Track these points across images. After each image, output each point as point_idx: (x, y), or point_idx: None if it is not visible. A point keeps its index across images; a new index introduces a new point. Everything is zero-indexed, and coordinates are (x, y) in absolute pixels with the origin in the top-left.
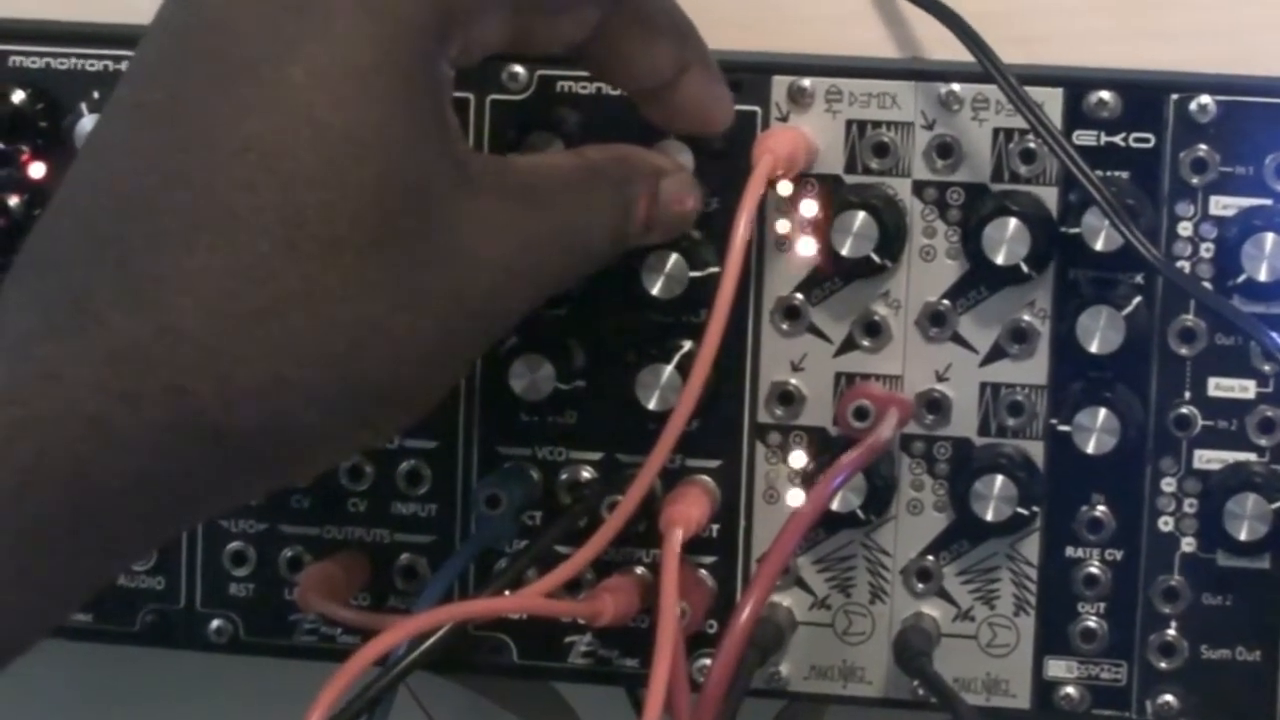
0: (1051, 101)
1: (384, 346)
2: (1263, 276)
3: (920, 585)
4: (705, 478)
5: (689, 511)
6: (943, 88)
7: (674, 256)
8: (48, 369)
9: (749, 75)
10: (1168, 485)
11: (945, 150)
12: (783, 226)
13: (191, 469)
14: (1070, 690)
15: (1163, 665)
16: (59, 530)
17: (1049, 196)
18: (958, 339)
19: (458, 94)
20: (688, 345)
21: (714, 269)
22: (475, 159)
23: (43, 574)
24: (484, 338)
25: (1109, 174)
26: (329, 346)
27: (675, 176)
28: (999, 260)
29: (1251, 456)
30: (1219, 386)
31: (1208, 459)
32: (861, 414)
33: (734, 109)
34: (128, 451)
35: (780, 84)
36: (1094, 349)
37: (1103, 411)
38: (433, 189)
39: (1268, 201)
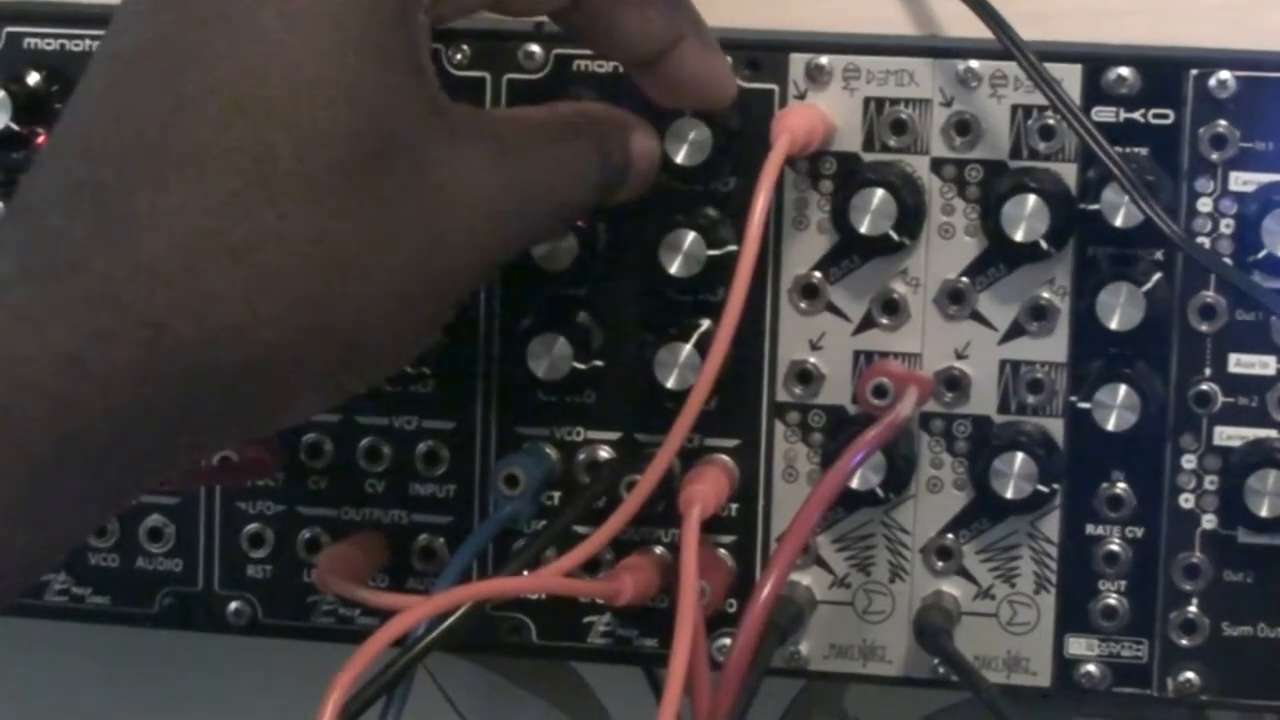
0: (1070, 78)
1: (361, 285)
2: None
3: (940, 563)
4: (724, 457)
5: (708, 491)
6: (961, 65)
7: (692, 235)
8: (22, 311)
9: (767, 53)
10: (1188, 462)
11: (964, 127)
12: (801, 205)
13: (171, 406)
14: (1091, 668)
15: (1184, 642)
16: (42, 469)
17: (1068, 173)
18: (977, 316)
19: (472, 73)
20: (706, 324)
21: (732, 247)
22: (451, 106)
23: (30, 514)
24: (463, 283)
25: (1128, 150)
26: (305, 284)
27: (641, 129)
28: (1018, 237)
29: (1272, 433)
30: (1240, 363)
31: (1228, 435)
32: (880, 392)
33: (735, 80)
34: (106, 389)
35: (798, 62)
36: (1114, 326)
37: (1123, 388)
38: (407, 132)
39: None
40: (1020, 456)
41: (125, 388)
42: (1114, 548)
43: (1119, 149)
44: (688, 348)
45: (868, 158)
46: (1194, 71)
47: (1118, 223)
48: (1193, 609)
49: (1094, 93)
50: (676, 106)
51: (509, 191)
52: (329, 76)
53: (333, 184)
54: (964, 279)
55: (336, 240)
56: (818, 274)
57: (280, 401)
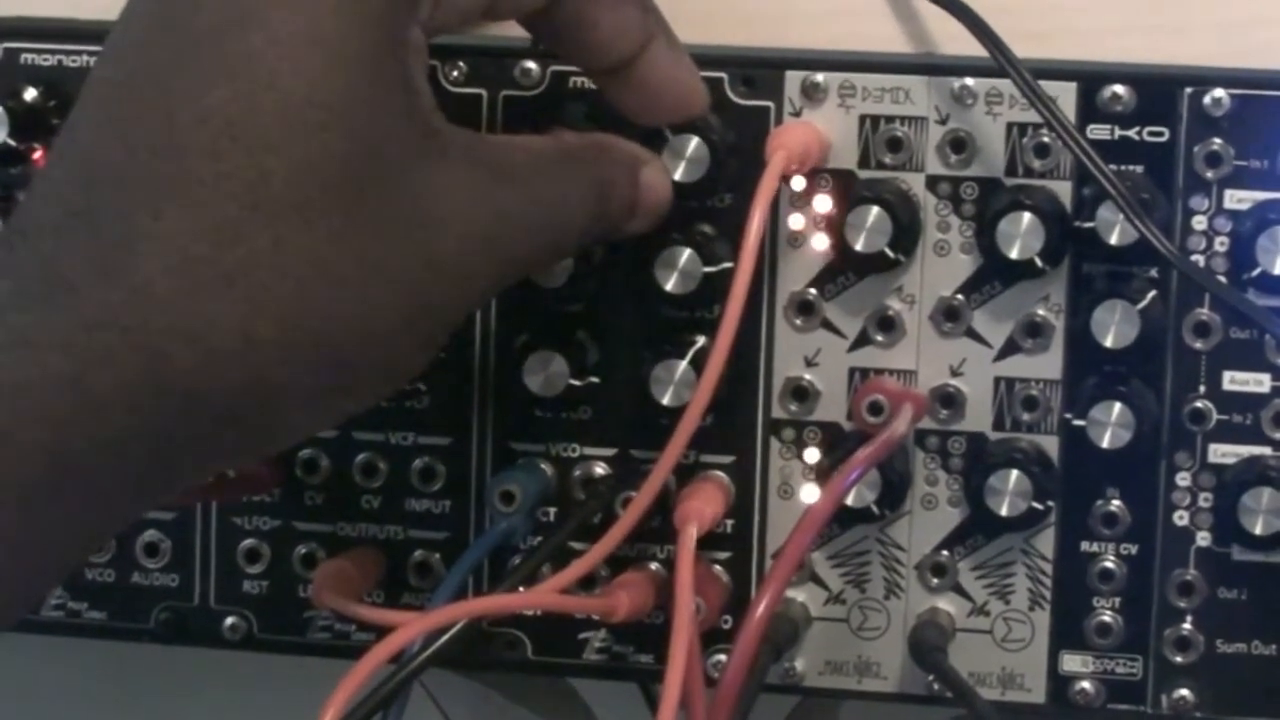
0: (1065, 96)
1: (355, 308)
2: (1277, 270)
3: (935, 580)
4: (719, 473)
5: (703, 507)
6: (956, 82)
7: (687, 252)
8: (20, 335)
9: (762, 70)
10: (1183, 480)
11: (959, 145)
12: (796, 222)
13: (169, 430)
14: (1085, 685)
15: (1178, 659)
16: (40, 493)
17: (1063, 191)
18: (972, 334)
19: (469, 90)
20: (701, 340)
21: (728, 264)
22: (446, 129)
23: (26, 538)
24: (457, 306)
25: (1123, 168)
26: (300, 308)
27: (653, 164)
28: (1013, 255)
29: (1267, 451)
30: (1234, 380)
31: (1223, 453)
32: (876, 409)
33: (707, 88)
34: (104, 413)
35: (794, 79)
36: (1108, 343)
37: (1117, 406)
38: (400, 155)
39: None
40: (1015, 473)
41: (122, 411)
42: (1108, 565)
43: (1114, 167)
44: (683, 364)
45: (863, 175)
46: (1189, 89)
47: (1113, 240)
48: (1187, 626)
49: (1089, 110)
50: (652, 120)
51: (503, 219)
52: (321, 101)
53: (326, 208)
54: (959, 296)
55: (330, 264)
56: (813, 291)
57: (276, 424)
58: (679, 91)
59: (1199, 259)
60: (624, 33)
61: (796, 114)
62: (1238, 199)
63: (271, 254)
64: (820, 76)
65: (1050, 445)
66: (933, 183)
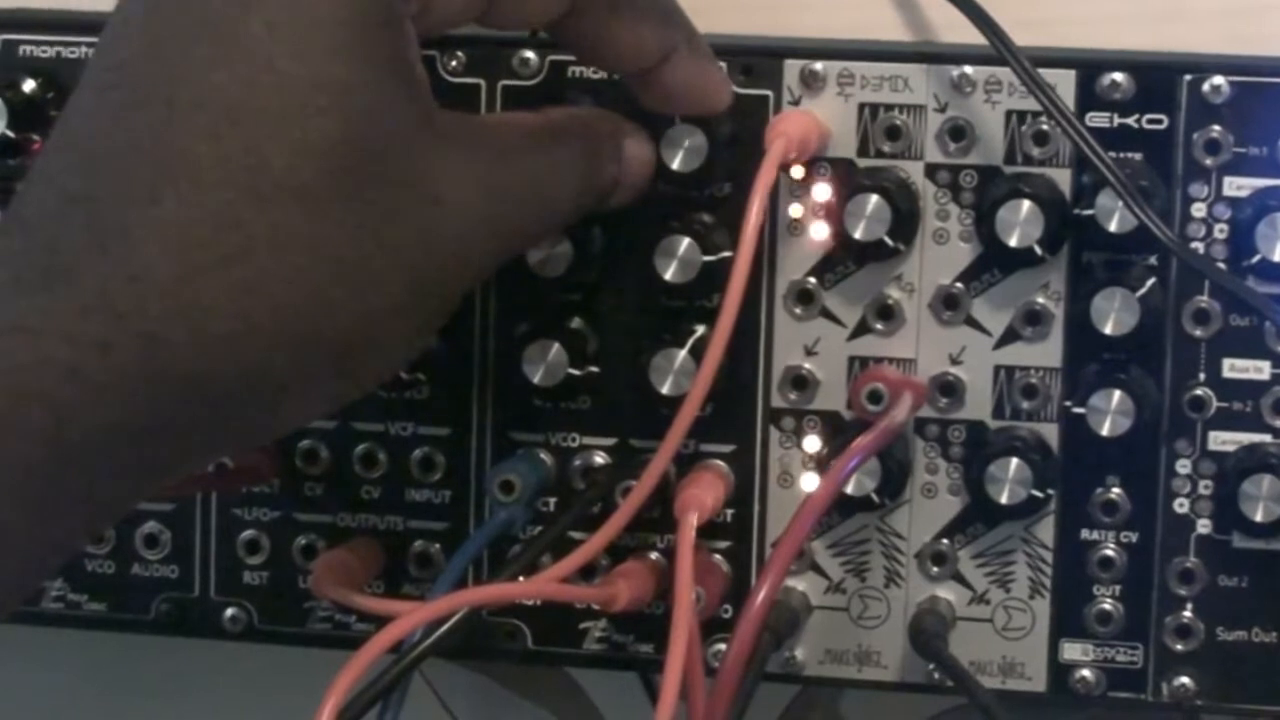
0: (1064, 83)
1: (354, 292)
2: (1277, 257)
3: (935, 569)
4: (719, 462)
5: (703, 496)
6: (955, 70)
7: (686, 241)
8: (19, 322)
9: (761, 59)
10: (1183, 467)
11: (958, 133)
12: (795, 210)
13: (168, 416)
14: (1086, 673)
15: (1179, 647)
16: (39, 480)
17: (1062, 179)
18: (971, 322)
19: (467, 80)
20: (701, 330)
21: (727, 253)
22: (440, 112)
23: (24, 526)
24: (455, 286)
25: (1122, 155)
26: (299, 292)
27: (636, 136)
28: (1012, 243)
29: (1267, 438)
30: (1234, 368)
31: (1223, 440)
32: (875, 397)
33: (730, 87)
34: (104, 399)
35: (792, 68)
36: (1108, 331)
37: (1117, 393)
38: (397, 138)
39: None
40: (1015, 462)
41: (122, 398)
42: (1109, 553)
43: (1113, 154)
44: (683, 354)
45: (862, 163)
46: (1188, 77)
47: (1112, 228)
48: (1187, 614)
49: (1088, 98)
50: (669, 114)
51: (499, 196)
52: (318, 85)
53: (324, 192)
54: (958, 284)
55: (329, 248)
56: (813, 280)
57: (276, 410)
58: (698, 95)
59: (1198, 246)
60: (642, 49)
61: (795, 102)
62: (1237, 186)
63: (269, 238)
64: (819, 65)
65: (1050, 433)
66: (932, 171)
